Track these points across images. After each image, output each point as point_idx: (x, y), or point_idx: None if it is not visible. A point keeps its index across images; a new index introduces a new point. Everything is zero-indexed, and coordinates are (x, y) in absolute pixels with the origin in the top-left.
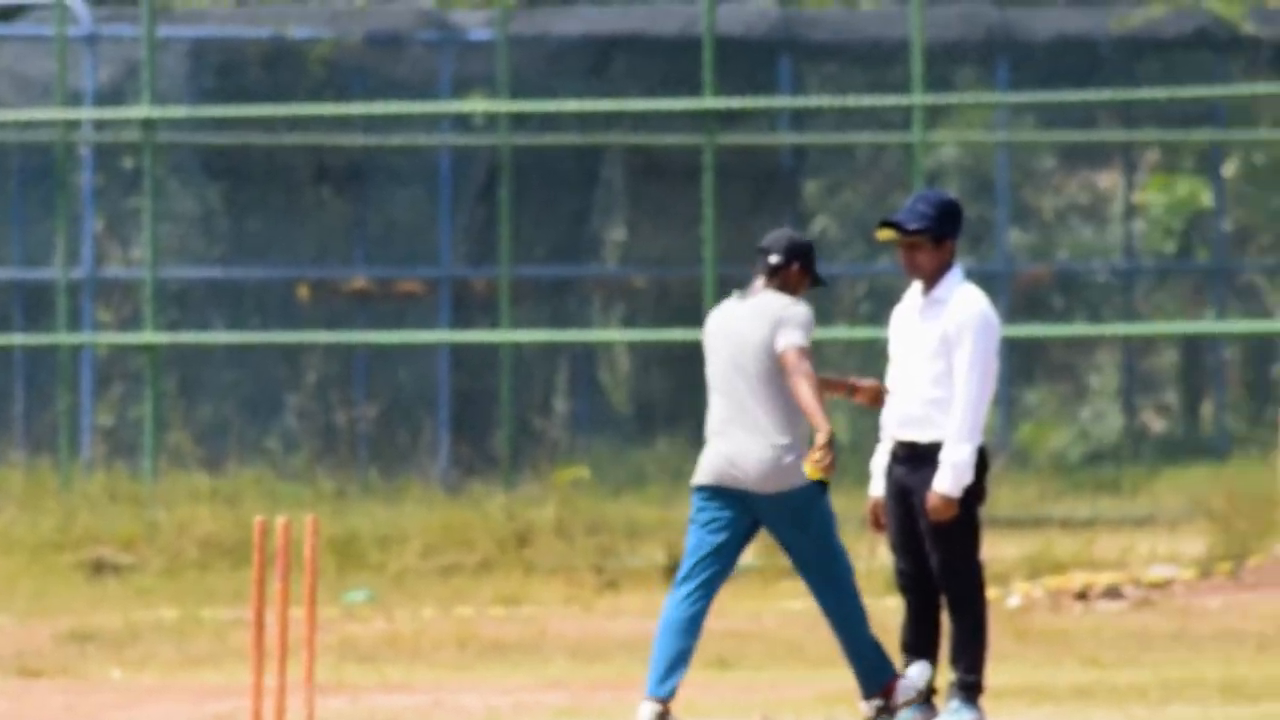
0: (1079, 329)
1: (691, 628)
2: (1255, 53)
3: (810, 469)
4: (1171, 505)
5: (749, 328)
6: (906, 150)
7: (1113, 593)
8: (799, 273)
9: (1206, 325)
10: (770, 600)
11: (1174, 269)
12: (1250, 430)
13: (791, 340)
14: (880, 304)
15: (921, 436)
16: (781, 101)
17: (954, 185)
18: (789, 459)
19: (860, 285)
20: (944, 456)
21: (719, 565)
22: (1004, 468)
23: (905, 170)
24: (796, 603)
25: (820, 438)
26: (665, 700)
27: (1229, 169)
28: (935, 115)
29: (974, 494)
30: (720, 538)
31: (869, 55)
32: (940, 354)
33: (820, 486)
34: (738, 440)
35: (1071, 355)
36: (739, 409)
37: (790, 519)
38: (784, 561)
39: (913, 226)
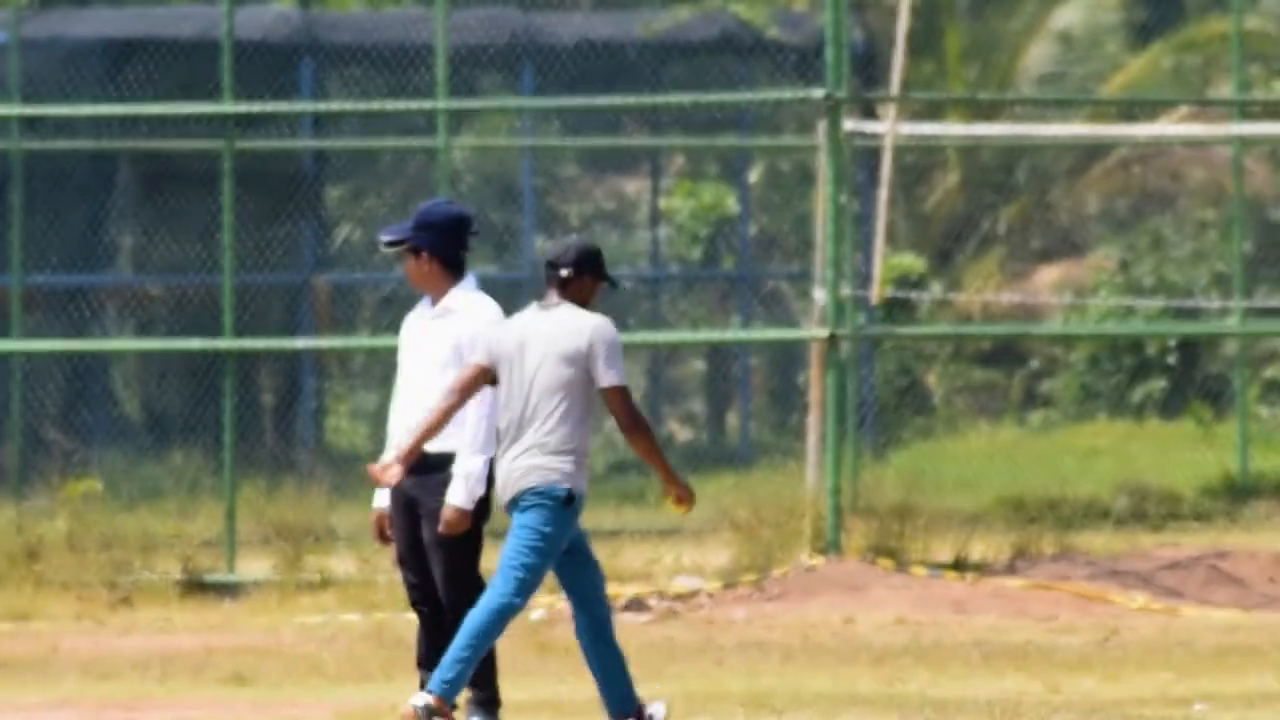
0: None
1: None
2: (780, 58)
3: (672, 506)
4: (697, 516)
5: (551, 342)
6: (430, 155)
7: (638, 605)
8: (591, 282)
9: (732, 333)
10: (287, 615)
11: (700, 276)
12: (776, 439)
13: (614, 379)
14: (405, 313)
15: (430, 447)
16: (302, 105)
17: (479, 191)
18: (551, 462)
19: (383, 293)
20: (457, 468)
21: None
22: None
23: (429, 176)
24: (314, 617)
25: (671, 485)
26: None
27: (754, 175)
28: (459, 120)
29: (481, 506)
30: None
31: (392, 59)
32: (451, 365)
33: (566, 499)
34: (513, 453)
35: None
36: (519, 421)
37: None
38: (302, 575)
39: (386, 239)
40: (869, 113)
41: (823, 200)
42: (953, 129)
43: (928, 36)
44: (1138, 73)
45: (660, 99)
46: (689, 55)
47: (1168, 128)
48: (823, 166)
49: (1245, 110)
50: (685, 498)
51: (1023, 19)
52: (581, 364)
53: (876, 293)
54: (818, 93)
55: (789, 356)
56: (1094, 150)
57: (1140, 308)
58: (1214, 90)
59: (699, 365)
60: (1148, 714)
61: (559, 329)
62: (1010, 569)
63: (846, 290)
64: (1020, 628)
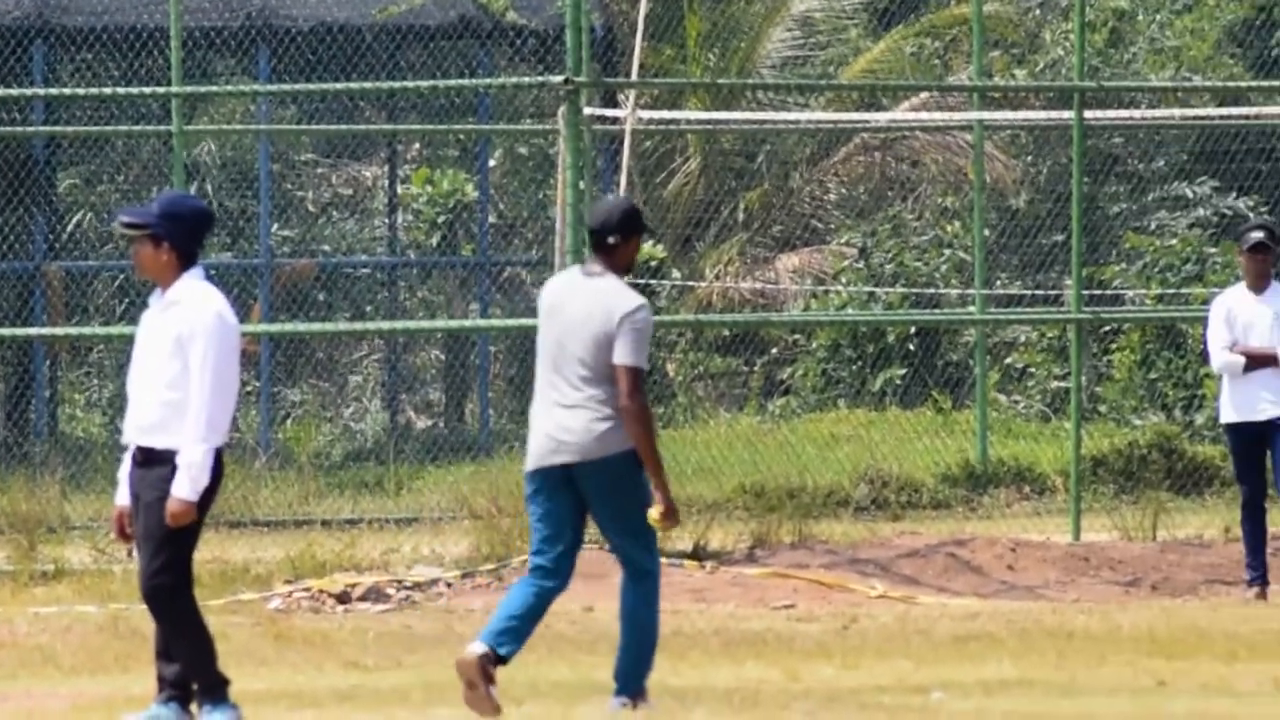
0: (342, 325)
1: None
2: (519, 43)
3: (654, 519)
4: (435, 504)
5: (588, 318)
6: (165, 141)
7: (376, 594)
8: (637, 242)
9: (471, 321)
10: (21, 606)
11: (438, 263)
12: (515, 427)
13: (628, 359)
14: (139, 300)
15: (157, 441)
16: (34, 90)
17: (215, 177)
18: (609, 426)
19: (118, 281)
20: (180, 460)
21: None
22: (265, 467)
23: (164, 162)
24: (48, 608)
25: (661, 496)
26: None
27: (493, 161)
28: (195, 105)
29: (206, 497)
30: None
31: (126, 43)
32: (175, 356)
33: (638, 460)
34: (559, 417)
35: (334, 352)
36: (562, 384)
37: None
38: (36, 565)
39: (127, 220)
40: (609, 98)
41: (562, 186)
42: (693, 115)
43: (668, 21)
44: (878, 58)
45: (398, 84)
46: (426, 40)
47: (908, 114)
48: (563, 152)
49: (985, 96)
50: (669, 514)
51: (763, 4)
52: (608, 345)
53: None
54: (557, 78)
55: (528, 344)
56: (835, 136)
57: (881, 295)
58: (954, 76)
59: (437, 353)
60: (886, 701)
61: (597, 307)
62: (750, 557)
63: None
64: (759, 616)
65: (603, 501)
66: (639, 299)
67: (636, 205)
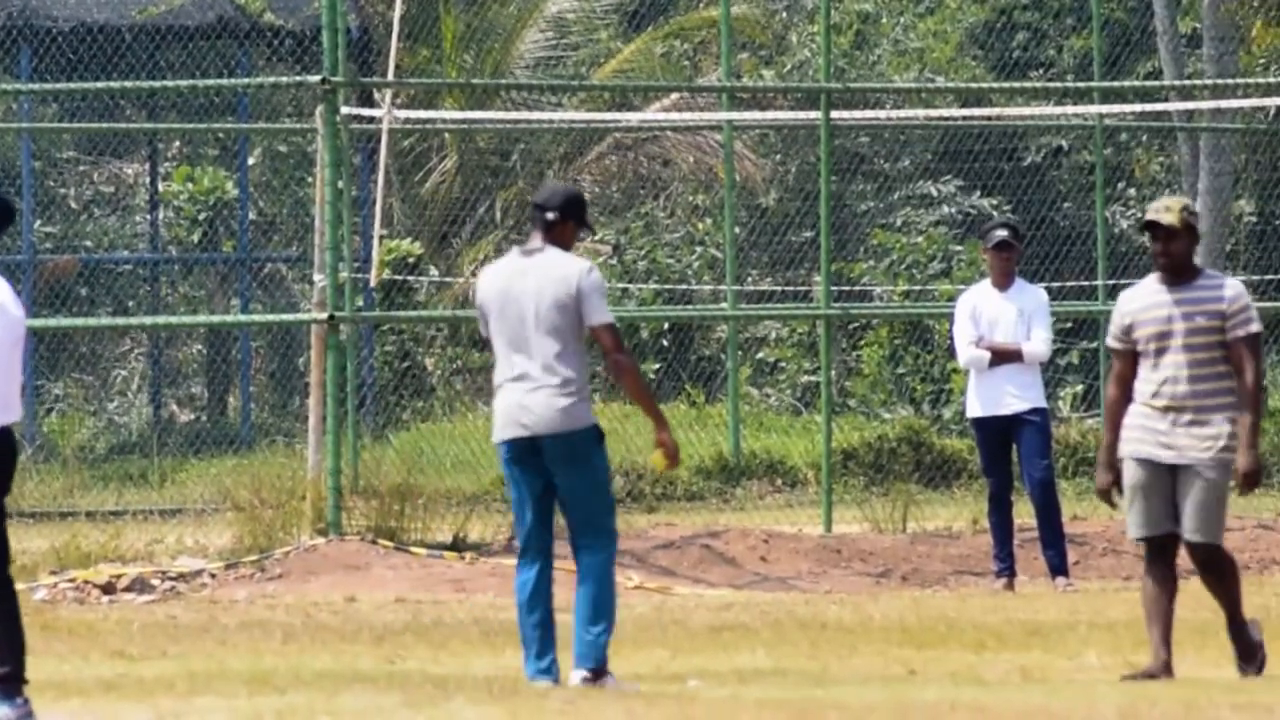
0: (105, 320)
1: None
2: (277, 43)
3: (658, 460)
4: (199, 496)
5: (540, 290)
6: None
7: (141, 585)
8: (574, 227)
9: (232, 317)
10: None
11: (199, 259)
12: (277, 421)
13: (602, 318)
14: None
15: None
16: None
17: None
18: (571, 402)
19: None
20: None
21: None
22: (30, 460)
23: None
24: None
25: (663, 436)
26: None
27: (253, 159)
28: None
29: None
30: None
31: None
32: None
33: (599, 433)
34: (522, 393)
35: (98, 346)
36: (522, 360)
37: (570, 458)
38: None
39: None
40: (366, 98)
41: (321, 184)
42: (449, 114)
43: (423, 22)
44: (629, 59)
45: (158, 84)
46: (185, 40)
47: (659, 114)
48: (321, 151)
49: (734, 97)
50: (671, 453)
51: (517, 5)
52: (573, 308)
53: (375, 276)
54: (314, 78)
55: (289, 339)
56: (588, 136)
57: (634, 291)
58: (704, 77)
59: (199, 348)
60: (643, 690)
61: (546, 277)
62: (508, 548)
63: (345, 273)
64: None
65: (565, 474)
66: (586, 260)
67: (582, 194)
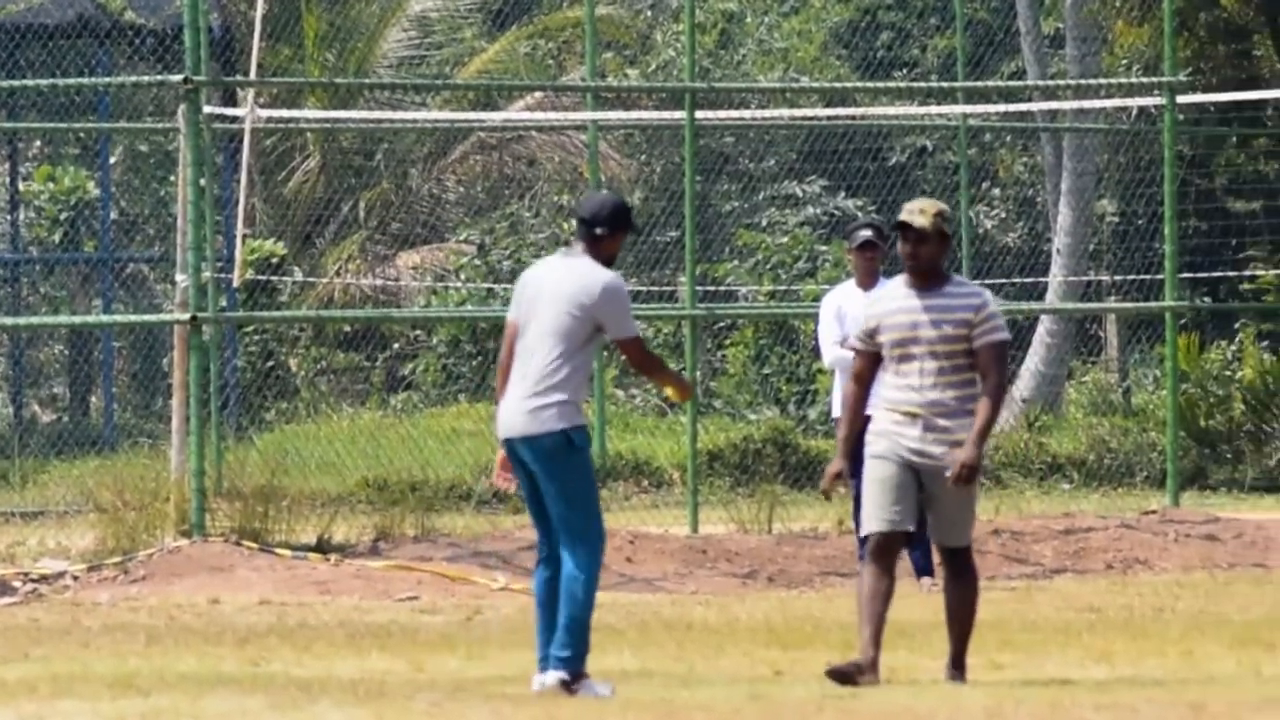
0: None
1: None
2: (138, 42)
3: (673, 392)
4: (61, 498)
5: (560, 292)
6: None
7: (2, 587)
8: (621, 237)
9: (94, 317)
10: None
11: (61, 259)
12: (140, 421)
13: (626, 332)
14: None
15: None
16: None
17: None
18: (547, 405)
19: None
20: None
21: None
22: None
23: None
24: None
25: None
26: None
27: (114, 158)
28: None
29: None
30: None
31: None
32: None
33: (576, 441)
34: (512, 392)
35: None
36: (523, 362)
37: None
38: None
39: None
40: (229, 97)
41: (183, 184)
42: (312, 113)
43: (285, 21)
44: (494, 59)
45: (17, 83)
46: (45, 38)
47: (523, 114)
48: (183, 150)
49: (599, 96)
50: (682, 389)
51: (380, 3)
52: (585, 317)
53: (238, 276)
54: (176, 77)
55: (152, 339)
56: (452, 135)
57: (499, 292)
58: (568, 76)
59: (61, 349)
60: (510, 691)
61: (573, 283)
62: (373, 550)
63: (208, 273)
64: (384, 608)
65: (540, 477)
66: (613, 273)
67: (627, 203)
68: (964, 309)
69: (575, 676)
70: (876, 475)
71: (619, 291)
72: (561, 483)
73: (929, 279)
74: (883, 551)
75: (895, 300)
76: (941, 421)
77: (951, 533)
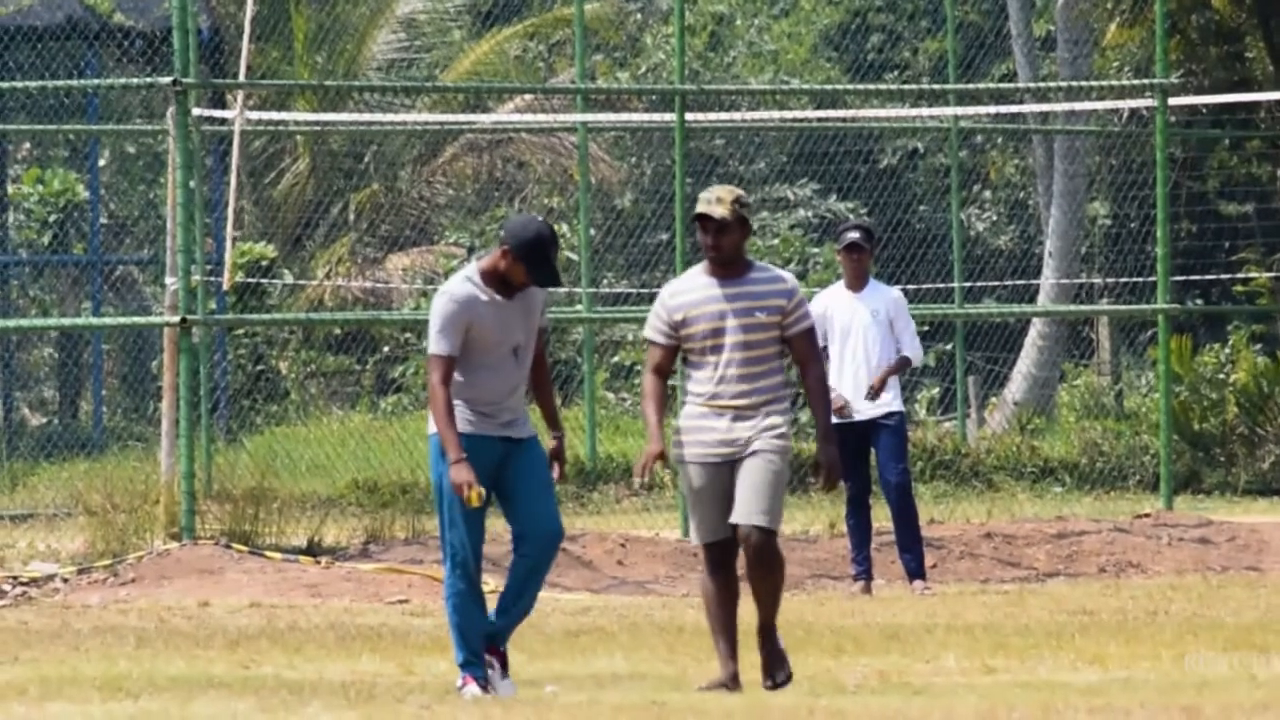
0: None
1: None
2: (127, 44)
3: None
4: (50, 501)
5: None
6: None
7: None
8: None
9: (84, 319)
10: None
11: (50, 262)
12: (129, 424)
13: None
14: None
15: None
16: None
17: None
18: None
19: None
20: None
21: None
22: None
23: None
24: None
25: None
26: None
27: (103, 161)
28: None
29: None
30: None
31: None
32: None
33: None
34: None
35: None
36: None
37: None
38: None
39: None
40: (218, 99)
41: (173, 186)
42: (301, 116)
43: (275, 23)
44: (482, 60)
45: (6, 84)
46: (34, 40)
47: (513, 115)
48: (172, 152)
49: (589, 99)
50: (460, 488)
51: (369, 5)
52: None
53: (228, 279)
54: (165, 79)
55: (142, 342)
56: (441, 138)
57: None
58: (558, 79)
59: (50, 351)
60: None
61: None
62: (364, 553)
63: (198, 276)
64: (374, 611)
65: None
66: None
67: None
68: (776, 295)
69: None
70: (694, 484)
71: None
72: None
73: (732, 268)
74: (720, 560)
75: (698, 291)
76: (750, 413)
77: (757, 513)
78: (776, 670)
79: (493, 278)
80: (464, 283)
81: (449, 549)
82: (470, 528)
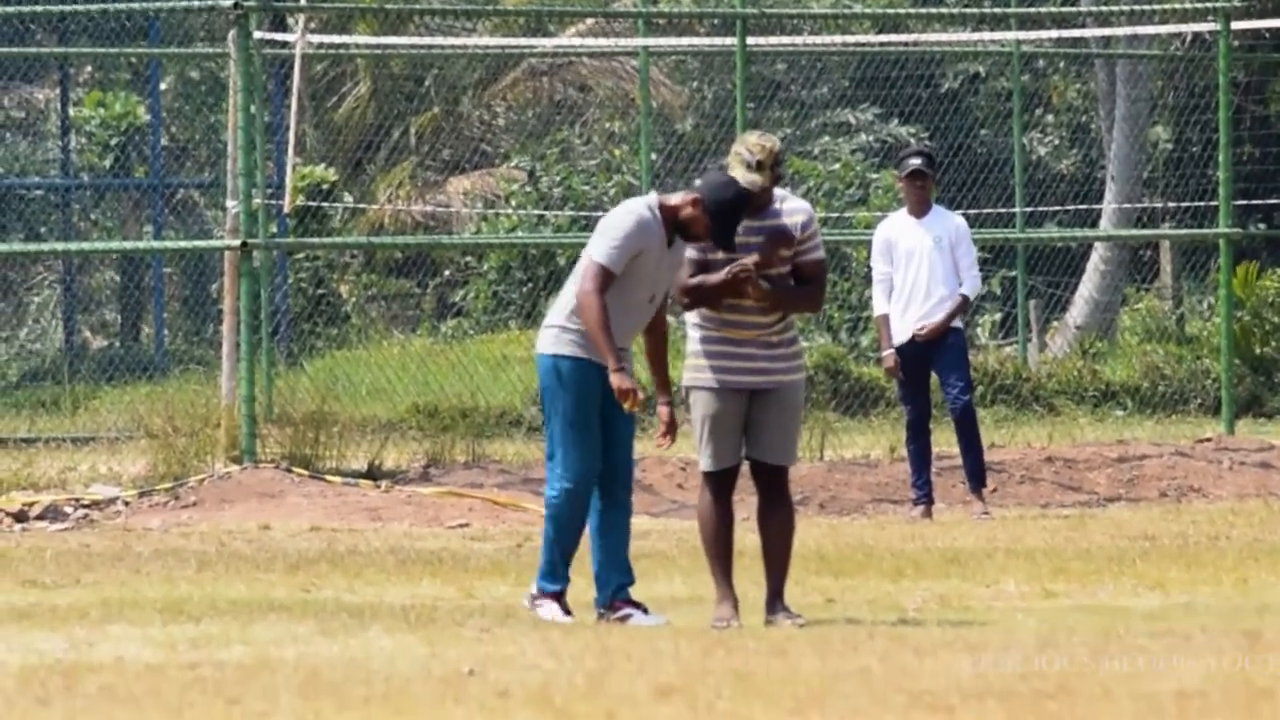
0: (16, 246)
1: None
2: None
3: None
4: (112, 424)
5: None
6: None
7: (54, 513)
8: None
9: (145, 243)
10: None
11: (112, 185)
12: (190, 348)
13: (589, 251)
14: None
15: None
16: None
17: None
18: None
19: None
20: None
21: None
22: None
23: None
24: None
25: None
26: None
27: (165, 84)
28: None
29: None
30: None
31: None
32: None
33: (556, 363)
34: None
35: (9, 273)
36: None
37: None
38: None
39: None
40: (279, 22)
41: (234, 110)
42: (362, 39)
43: None
44: None
45: (69, 7)
46: None
47: (575, 40)
48: (233, 76)
49: (650, 22)
50: (627, 395)
51: None
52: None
53: (289, 202)
54: (226, 2)
55: (203, 265)
56: (502, 61)
57: (550, 218)
58: (619, 3)
59: (112, 275)
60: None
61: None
62: (424, 477)
63: (259, 200)
64: (434, 534)
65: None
66: (627, 204)
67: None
68: (791, 227)
69: (537, 594)
70: (708, 411)
71: (611, 216)
72: (546, 408)
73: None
74: (726, 487)
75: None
76: (772, 339)
77: (777, 450)
78: (778, 609)
79: (669, 219)
80: (648, 210)
81: (565, 470)
82: (591, 450)
